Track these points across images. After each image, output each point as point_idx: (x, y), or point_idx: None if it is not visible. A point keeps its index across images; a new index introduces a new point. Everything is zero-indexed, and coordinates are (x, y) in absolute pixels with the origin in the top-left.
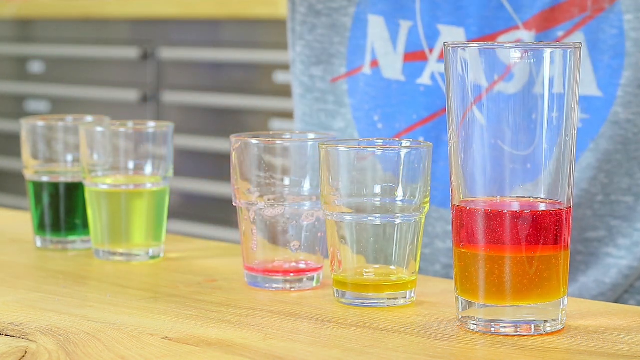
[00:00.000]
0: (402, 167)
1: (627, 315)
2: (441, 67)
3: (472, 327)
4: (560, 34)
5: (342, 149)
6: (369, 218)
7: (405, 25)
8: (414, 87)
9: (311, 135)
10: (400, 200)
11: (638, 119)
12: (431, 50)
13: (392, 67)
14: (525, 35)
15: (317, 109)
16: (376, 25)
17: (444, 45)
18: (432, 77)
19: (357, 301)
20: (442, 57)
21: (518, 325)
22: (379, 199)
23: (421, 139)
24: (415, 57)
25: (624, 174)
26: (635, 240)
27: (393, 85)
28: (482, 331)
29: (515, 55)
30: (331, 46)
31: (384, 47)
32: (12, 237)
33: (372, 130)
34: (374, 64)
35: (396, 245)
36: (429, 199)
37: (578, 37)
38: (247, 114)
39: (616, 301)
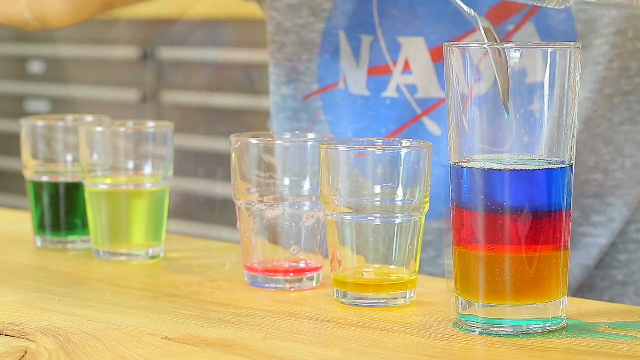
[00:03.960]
0: (402, 167)
1: (627, 315)
2: (406, 79)
3: (471, 327)
4: (510, 27)
5: (342, 149)
6: (369, 218)
7: (366, 40)
8: (380, 101)
9: (311, 135)
10: (400, 200)
11: (595, 96)
12: (395, 63)
13: (357, 83)
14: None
15: (290, 128)
16: (342, 42)
17: (444, 46)
18: (398, 89)
19: (357, 301)
20: (406, 69)
21: (518, 325)
22: (379, 199)
23: None
24: (379, 71)
25: (590, 152)
26: (610, 216)
27: (359, 100)
28: (482, 331)
29: (515, 55)
30: (300, 64)
31: (348, 63)
32: (12, 237)
33: None
34: (345, 79)
35: (396, 245)
36: (429, 199)
37: (529, 27)
38: (247, 114)
39: (604, 278)
